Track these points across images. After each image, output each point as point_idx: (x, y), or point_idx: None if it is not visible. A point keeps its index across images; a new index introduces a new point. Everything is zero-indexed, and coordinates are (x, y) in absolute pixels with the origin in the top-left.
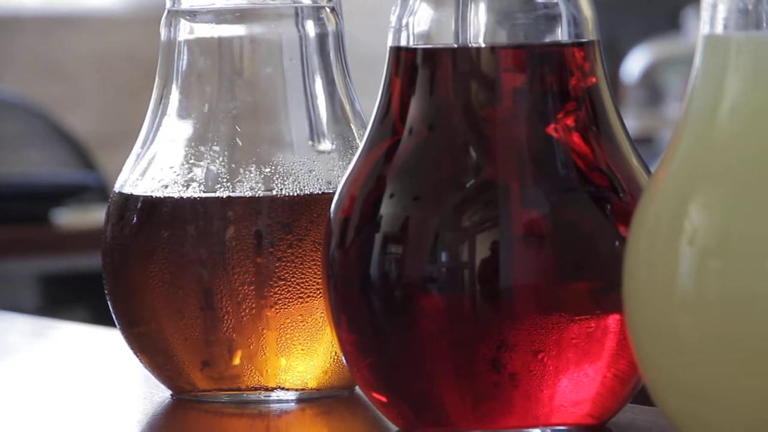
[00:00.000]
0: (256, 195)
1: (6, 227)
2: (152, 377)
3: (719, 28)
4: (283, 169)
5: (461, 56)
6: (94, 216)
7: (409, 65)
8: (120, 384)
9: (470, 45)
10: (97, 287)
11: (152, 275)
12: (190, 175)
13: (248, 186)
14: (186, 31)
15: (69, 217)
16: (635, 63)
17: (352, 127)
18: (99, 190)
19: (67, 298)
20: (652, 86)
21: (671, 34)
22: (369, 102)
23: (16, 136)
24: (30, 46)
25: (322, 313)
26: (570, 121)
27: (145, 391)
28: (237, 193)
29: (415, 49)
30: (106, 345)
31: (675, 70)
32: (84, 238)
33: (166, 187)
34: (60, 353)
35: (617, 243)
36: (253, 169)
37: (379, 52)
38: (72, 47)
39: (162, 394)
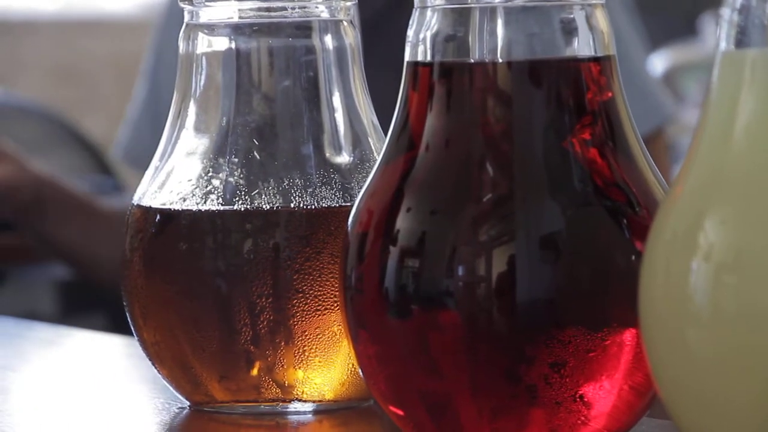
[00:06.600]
0: (274, 208)
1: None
2: (170, 388)
3: (736, 44)
4: (301, 182)
5: (478, 71)
6: None
7: (426, 80)
8: (137, 394)
9: (487, 60)
10: (114, 294)
11: (171, 287)
12: (208, 188)
13: (266, 199)
14: (204, 44)
15: None
16: (652, 69)
17: (370, 140)
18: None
19: (85, 305)
20: (669, 92)
21: (688, 39)
22: None
23: (33, 141)
24: (46, 51)
25: (339, 325)
26: (586, 136)
27: (162, 402)
28: (255, 206)
29: (432, 64)
30: (123, 354)
31: (692, 75)
32: None
33: (185, 199)
34: (76, 362)
35: (633, 257)
36: (271, 181)
37: None
38: (88, 51)
39: (180, 405)
